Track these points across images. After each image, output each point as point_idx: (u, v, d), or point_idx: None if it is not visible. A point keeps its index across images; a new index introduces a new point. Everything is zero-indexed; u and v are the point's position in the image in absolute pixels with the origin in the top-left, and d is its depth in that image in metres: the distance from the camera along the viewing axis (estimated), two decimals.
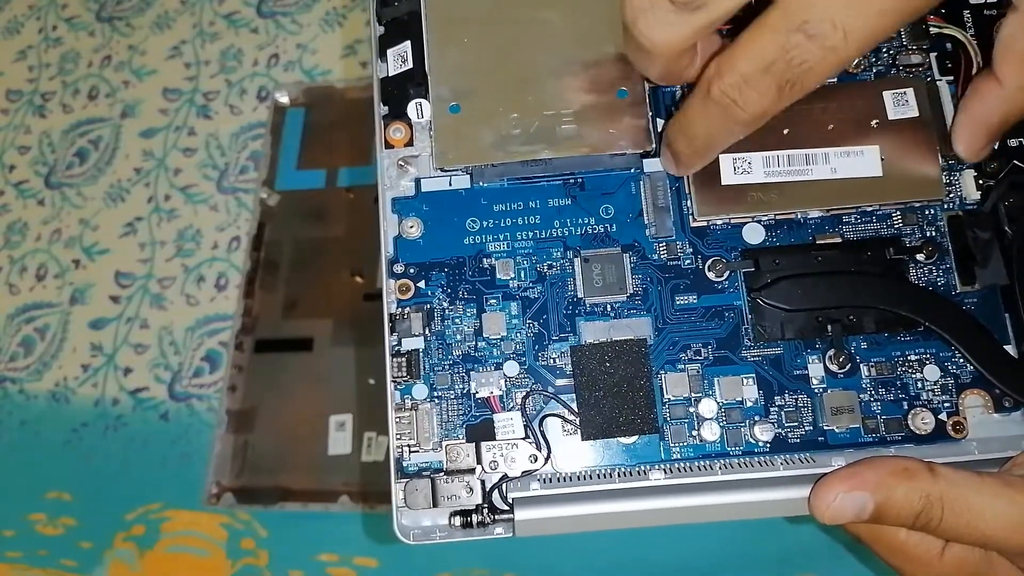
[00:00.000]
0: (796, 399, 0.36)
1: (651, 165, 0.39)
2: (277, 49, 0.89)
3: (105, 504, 0.73)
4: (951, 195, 0.38)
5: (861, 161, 0.37)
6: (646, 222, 0.38)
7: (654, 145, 0.38)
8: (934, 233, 0.38)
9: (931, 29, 0.39)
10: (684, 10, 0.29)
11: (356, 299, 0.75)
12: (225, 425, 0.71)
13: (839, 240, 0.38)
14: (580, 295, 0.38)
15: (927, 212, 0.38)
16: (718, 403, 0.36)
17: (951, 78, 0.39)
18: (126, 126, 0.89)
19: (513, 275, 0.38)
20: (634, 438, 0.36)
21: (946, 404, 0.36)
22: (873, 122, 0.37)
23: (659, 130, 0.38)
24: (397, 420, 0.37)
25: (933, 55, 0.39)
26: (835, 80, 0.39)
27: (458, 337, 0.38)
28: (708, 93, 0.31)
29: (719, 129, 0.33)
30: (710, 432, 0.36)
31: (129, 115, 0.90)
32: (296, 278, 0.77)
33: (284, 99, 0.84)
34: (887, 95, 0.38)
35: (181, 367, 0.78)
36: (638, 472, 0.36)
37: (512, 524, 0.35)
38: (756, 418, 0.36)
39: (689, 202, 0.38)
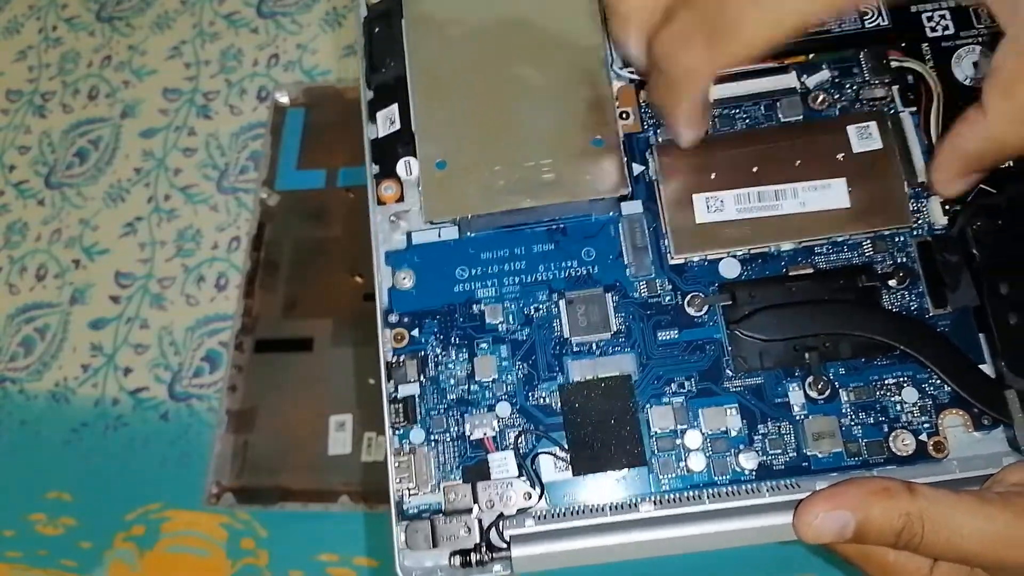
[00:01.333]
0: (779, 427, 0.37)
1: (629, 208, 0.40)
2: (277, 49, 0.89)
3: (105, 504, 0.74)
4: (919, 221, 0.38)
5: (829, 194, 0.37)
6: (626, 262, 0.39)
7: (630, 189, 0.39)
8: (905, 259, 0.38)
9: (892, 63, 0.40)
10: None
11: (356, 299, 0.75)
12: (225, 425, 0.71)
13: (812, 271, 0.38)
14: (566, 335, 0.38)
15: (896, 239, 0.38)
16: (703, 434, 0.37)
17: (914, 109, 0.40)
18: (126, 126, 0.90)
19: (502, 319, 0.39)
20: (624, 471, 0.37)
21: (926, 425, 0.36)
22: (839, 155, 0.38)
23: (634, 175, 0.39)
24: (396, 464, 0.37)
25: (895, 88, 0.40)
26: (800, 118, 0.40)
27: (451, 381, 0.38)
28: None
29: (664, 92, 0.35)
30: (697, 463, 0.36)
31: (129, 115, 0.90)
32: (296, 278, 0.77)
33: (284, 99, 0.84)
34: (851, 129, 0.38)
35: (181, 367, 0.78)
36: (629, 505, 0.36)
37: (510, 561, 0.36)
38: (741, 447, 0.37)
39: (666, 241, 0.39)
